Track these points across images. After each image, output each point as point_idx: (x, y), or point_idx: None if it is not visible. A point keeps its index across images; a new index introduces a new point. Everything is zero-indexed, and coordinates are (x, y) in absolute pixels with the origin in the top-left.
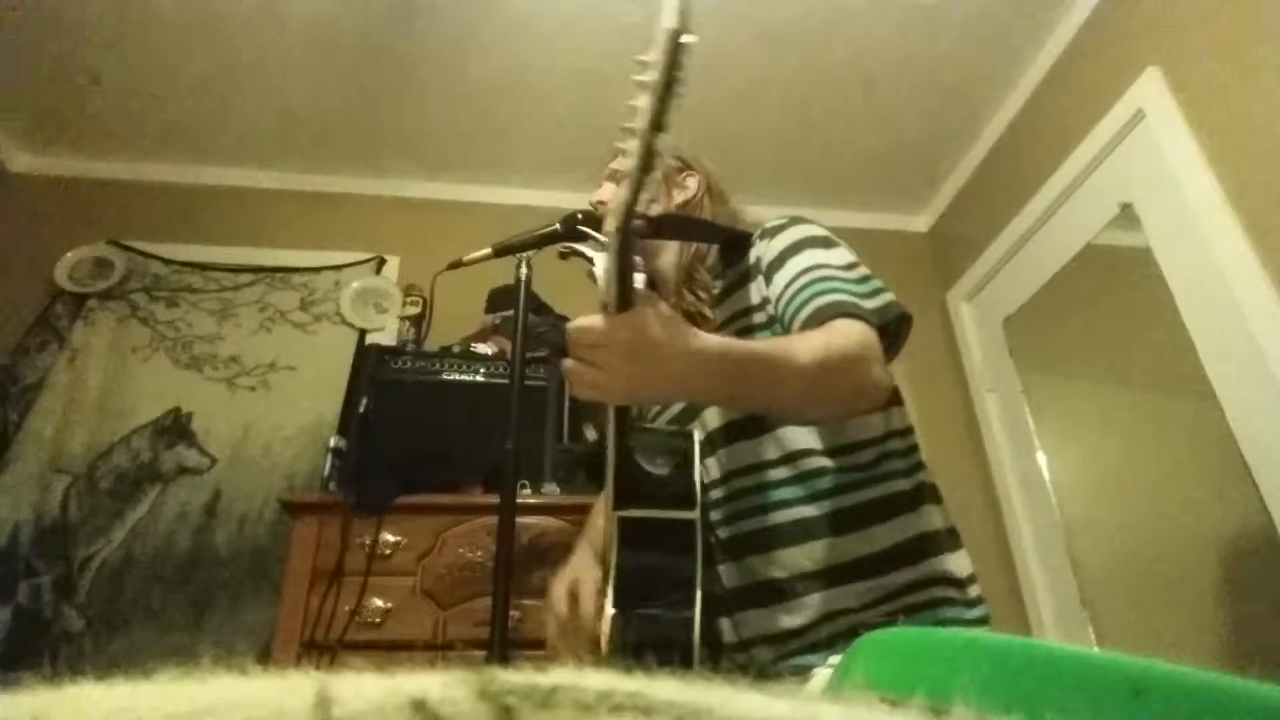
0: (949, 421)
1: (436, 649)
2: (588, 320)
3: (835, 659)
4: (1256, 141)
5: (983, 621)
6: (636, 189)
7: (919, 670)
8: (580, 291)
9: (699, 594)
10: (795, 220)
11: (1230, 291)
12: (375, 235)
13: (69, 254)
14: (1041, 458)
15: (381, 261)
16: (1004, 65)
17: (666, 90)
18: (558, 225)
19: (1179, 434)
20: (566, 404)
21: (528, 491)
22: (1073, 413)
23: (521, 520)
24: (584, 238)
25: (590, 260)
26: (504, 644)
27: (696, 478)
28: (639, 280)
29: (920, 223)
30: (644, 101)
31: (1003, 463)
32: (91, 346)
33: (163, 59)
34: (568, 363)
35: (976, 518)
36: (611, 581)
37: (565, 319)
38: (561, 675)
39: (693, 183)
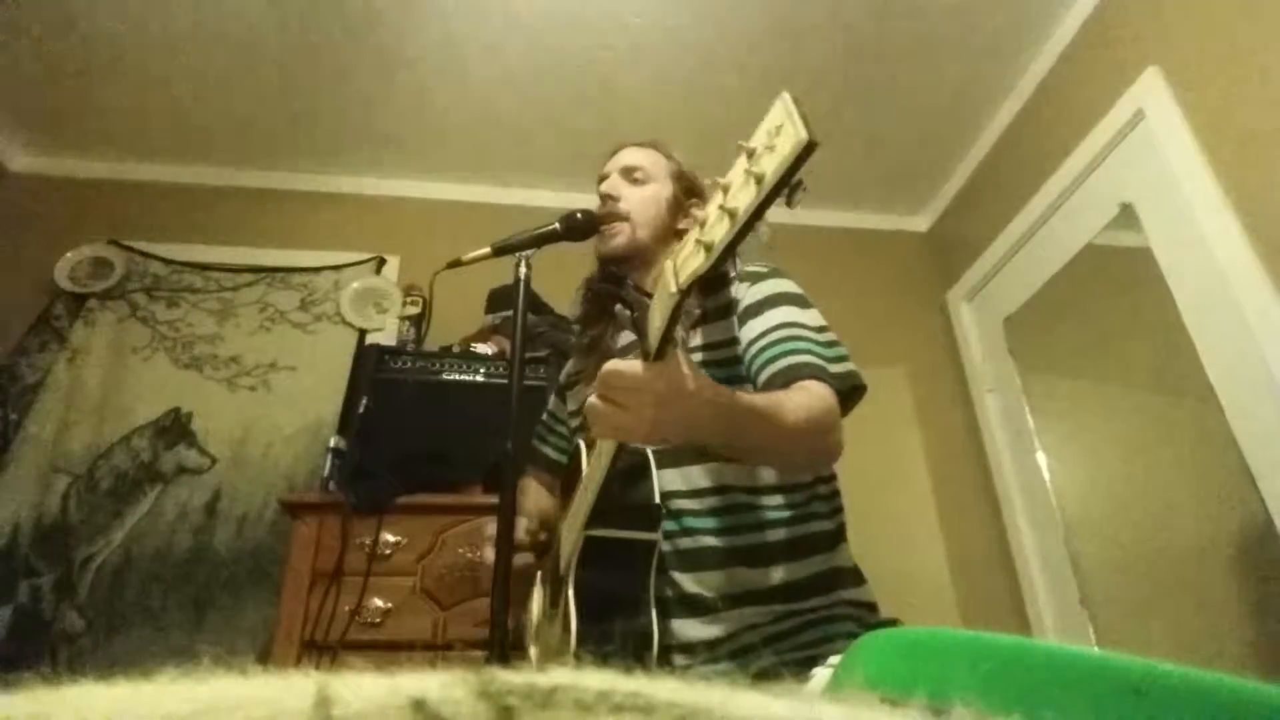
0: (949, 421)
1: (436, 649)
2: (625, 365)
3: (835, 658)
4: (1256, 141)
5: None
6: (720, 262)
7: (919, 670)
8: (570, 284)
9: (654, 610)
10: (776, 272)
11: (1230, 291)
12: (375, 235)
13: (69, 254)
14: (1041, 458)
15: (381, 261)
16: (1004, 65)
17: (778, 190)
18: (557, 225)
19: (1179, 434)
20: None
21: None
22: (1073, 413)
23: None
24: (583, 236)
25: (631, 310)
26: (504, 644)
27: (656, 497)
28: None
29: (920, 223)
30: (749, 190)
31: (1003, 463)
32: (91, 346)
33: (164, 59)
34: (595, 402)
35: (976, 518)
36: (571, 596)
37: (564, 319)
38: (561, 675)
39: (699, 214)
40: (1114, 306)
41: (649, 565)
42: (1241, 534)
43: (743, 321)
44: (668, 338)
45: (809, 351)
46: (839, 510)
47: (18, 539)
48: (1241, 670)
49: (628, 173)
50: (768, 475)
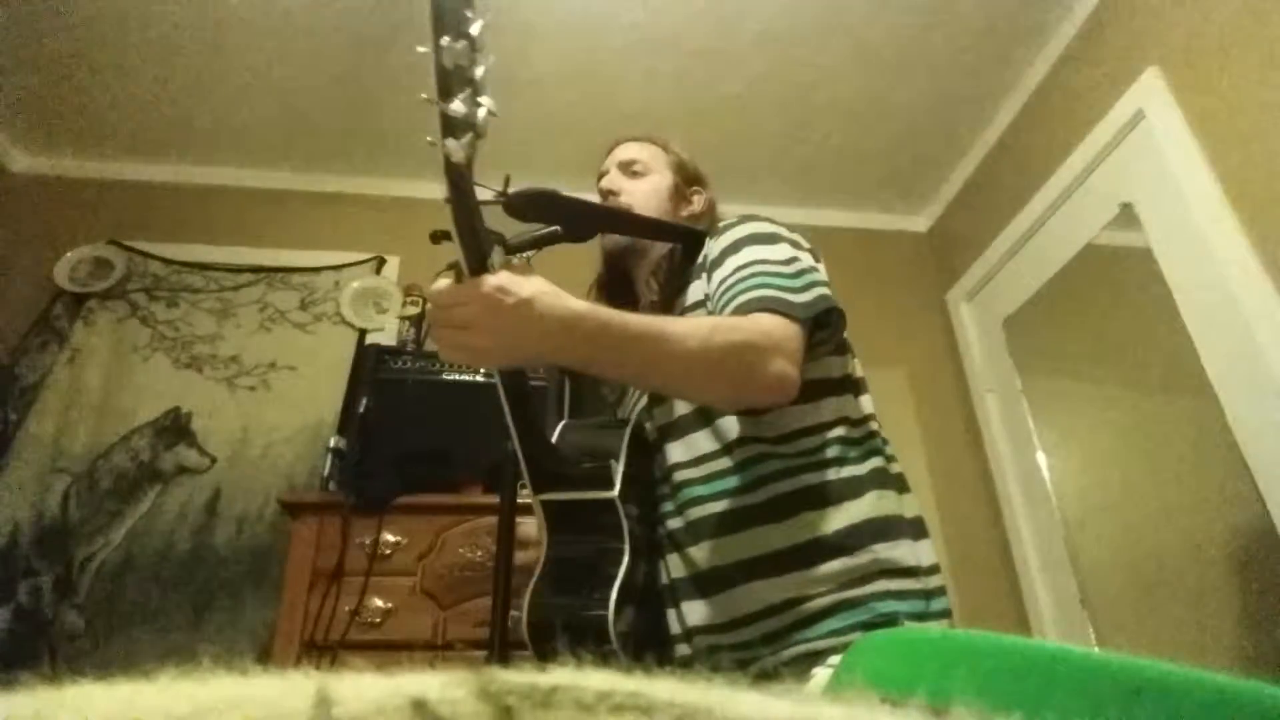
0: (949, 421)
1: (436, 649)
2: (443, 282)
3: (835, 658)
4: (1256, 141)
5: (940, 615)
6: (446, 156)
7: (919, 670)
8: (579, 290)
9: (623, 570)
10: (745, 219)
11: (1230, 291)
12: (375, 235)
13: (69, 254)
14: (1041, 458)
15: (381, 261)
16: (1004, 65)
17: (441, 54)
18: (559, 225)
19: (1179, 434)
20: (566, 403)
21: (527, 491)
22: (1073, 413)
23: (521, 520)
24: (585, 238)
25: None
26: (504, 644)
27: (621, 461)
28: (498, 255)
29: (920, 223)
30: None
31: (1003, 463)
32: (91, 346)
33: (163, 59)
34: (433, 328)
35: (976, 518)
36: (539, 564)
37: None
38: (561, 675)
39: (699, 200)
40: (1114, 306)
41: (617, 526)
42: (1241, 534)
43: (709, 276)
44: (469, 249)
45: (765, 285)
46: (873, 453)
47: (18, 539)
48: (1241, 670)
49: (626, 166)
50: (776, 424)
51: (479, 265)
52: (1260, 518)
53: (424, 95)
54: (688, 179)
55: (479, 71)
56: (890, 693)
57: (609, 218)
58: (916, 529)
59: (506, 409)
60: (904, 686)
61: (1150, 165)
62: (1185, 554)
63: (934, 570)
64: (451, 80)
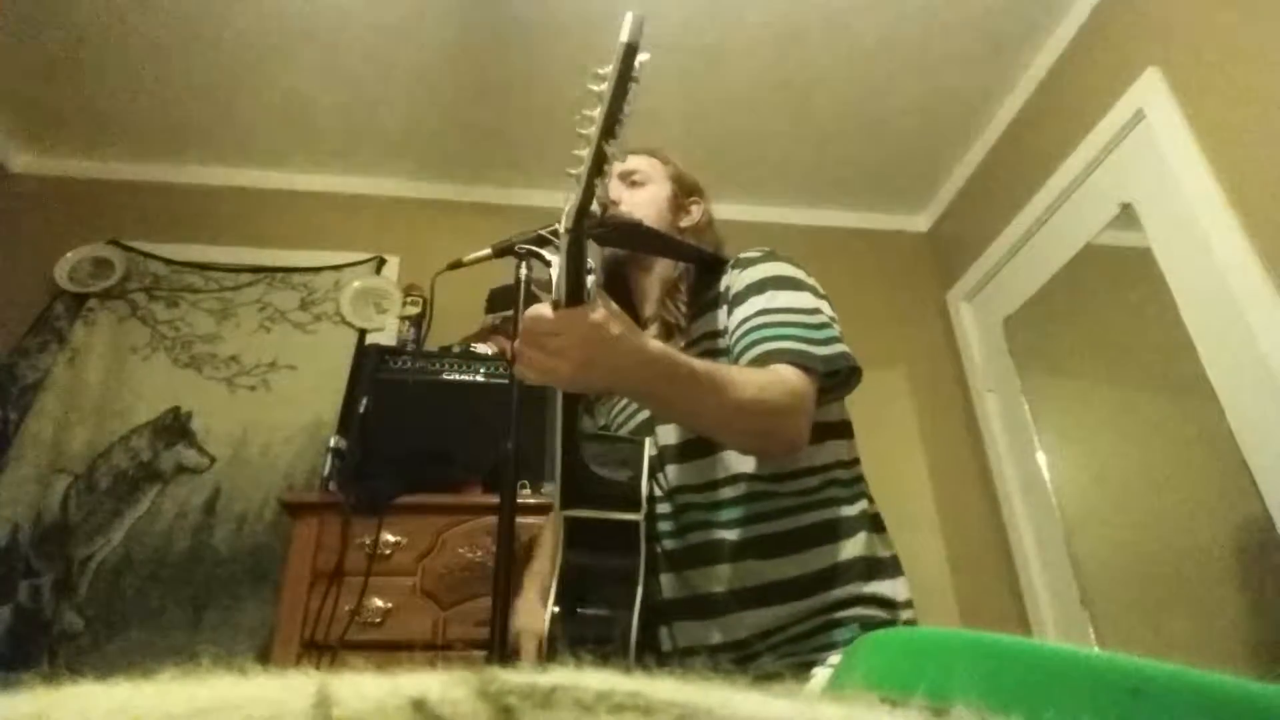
0: (949, 421)
1: (436, 649)
2: (545, 309)
3: (835, 658)
4: (1256, 141)
5: None
6: (589, 192)
7: (919, 670)
8: None
9: (639, 594)
10: (769, 256)
11: (1230, 291)
12: (375, 235)
13: (69, 254)
14: (1041, 458)
15: (381, 261)
16: (1004, 65)
17: (617, 100)
18: (558, 225)
19: (1179, 434)
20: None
21: (528, 491)
22: (1073, 413)
23: (521, 520)
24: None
25: (548, 262)
26: (504, 644)
27: (643, 482)
28: (589, 281)
29: (920, 223)
30: (597, 110)
31: (1003, 463)
32: (91, 346)
33: (164, 59)
34: (519, 347)
35: (976, 518)
36: (555, 579)
37: None
38: (561, 675)
39: (696, 210)
40: (1114, 306)
41: (636, 547)
42: (1241, 534)
43: (730, 310)
44: (573, 281)
45: (790, 337)
46: (861, 496)
47: (18, 539)
48: (1241, 670)
49: (625, 177)
50: (779, 463)
51: (577, 296)
52: (1260, 517)
53: (582, 131)
54: (685, 190)
55: (628, 112)
56: (890, 692)
57: (672, 246)
58: (894, 567)
59: (560, 426)
60: (904, 686)
61: (1150, 165)
62: (1185, 554)
63: (908, 605)
64: (617, 122)
